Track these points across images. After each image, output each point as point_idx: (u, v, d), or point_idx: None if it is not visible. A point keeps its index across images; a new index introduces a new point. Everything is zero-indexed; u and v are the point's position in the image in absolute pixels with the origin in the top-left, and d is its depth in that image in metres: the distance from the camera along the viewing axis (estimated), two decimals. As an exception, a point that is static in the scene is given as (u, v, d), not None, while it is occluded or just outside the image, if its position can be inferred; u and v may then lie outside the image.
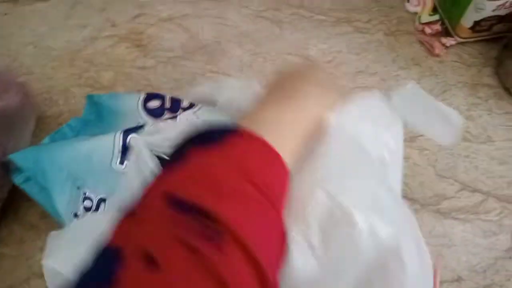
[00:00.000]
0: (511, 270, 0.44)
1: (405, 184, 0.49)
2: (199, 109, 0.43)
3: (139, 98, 0.45)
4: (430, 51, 0.59)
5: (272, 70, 0.57)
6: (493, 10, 0.53)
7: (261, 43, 0.60)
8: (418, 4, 0.62)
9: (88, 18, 0.64)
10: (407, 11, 0.63)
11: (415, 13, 0.62)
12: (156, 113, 0.44)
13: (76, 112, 0.54)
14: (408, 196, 0.48)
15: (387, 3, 0.64)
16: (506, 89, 0.54)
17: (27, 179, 0.43)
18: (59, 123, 0.54)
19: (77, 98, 0.56)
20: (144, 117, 0.44)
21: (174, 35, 0.61)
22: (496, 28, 0.56)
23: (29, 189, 0.43)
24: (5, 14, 0.65)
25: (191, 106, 0.44)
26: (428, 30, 0.60)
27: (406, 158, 0.50)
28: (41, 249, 0.39)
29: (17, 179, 0.43)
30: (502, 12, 0.53)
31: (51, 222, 0.46)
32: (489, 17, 0.54)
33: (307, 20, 0.62)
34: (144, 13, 0.64)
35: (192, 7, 0.64)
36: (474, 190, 0.48)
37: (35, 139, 0.52)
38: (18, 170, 0.43)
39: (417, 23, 0.61)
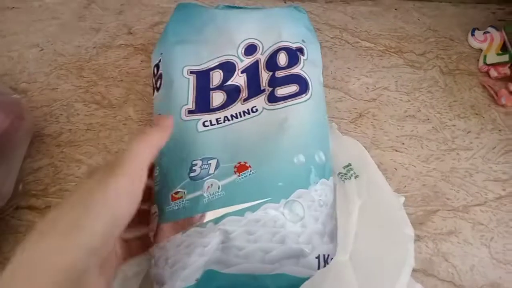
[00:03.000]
0: None
1: (453, 266, 0.41)
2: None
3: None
4: (494, 99, 0.49)
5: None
6: None
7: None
8: (485, 40, 0.53)
9: (102, 20, 0.57)
10: (470, 46, 0.54)
11: (480, 50, 0.53)
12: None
13: (77, 133, 0.48)
14: (454, 282, 0.40)
15: (446, 34, 0.55)
16: None
17: None
18: (57, 144, 0.47)
19: (80, 117, 0.49)
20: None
21: (196, 51, 0.53)
22: None
23: None
24: (12, 8, 0.58)
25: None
26: (494, 73, 0.50)
27: (455, 232, 0.42)
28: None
29: None
30: None
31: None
32: None
33: (350, 47, 0.54)
34: (165, 21, 0.56)
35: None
36: (536, 282, 0.40)
37: (29, 162, 0.46)
38: None
39: (481, 63, 0.52)
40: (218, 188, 0.29)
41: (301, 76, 0.34)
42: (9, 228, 0.42)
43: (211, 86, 0.34)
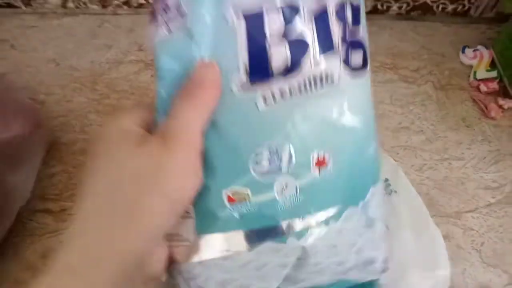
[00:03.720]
0: None
1: (445, 269, 0.43)
2: None
3: None
4: (484, 112, 0.52)
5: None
6: None
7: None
8: (475, 57, 0.56)
9: (114, 38, 0.60)
10: (461, 63, 0.57)
11: (470, 66, 0.56)
12: None
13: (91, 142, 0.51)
14: (447, 284, 0.42)
15: (439, 51, 0.58)
16: None
17: None
18: (72, 152, 0.50)
19: (93, 127, 0.52)
20: None
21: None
22: None
23: None
24: (32, 26, 0.62)
25: None
26: (483, 87, 0.53)
27: (448, 237, 0.44)
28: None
29: None
30: None
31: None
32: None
33: (348, 63, 0.57)
34: (175, 38, 0.60)
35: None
36: (525, 285, 0.42)
37: (45, 168, 0.49)
38: None
39: (471, 78, 0.55)
40: (296, 190, 0.22)
41: (363, 43, 0.25)
42: (26, 230, 0.45)
43: (268, 36, 0.23)
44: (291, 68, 0.23)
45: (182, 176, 0.20)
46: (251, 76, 0.22)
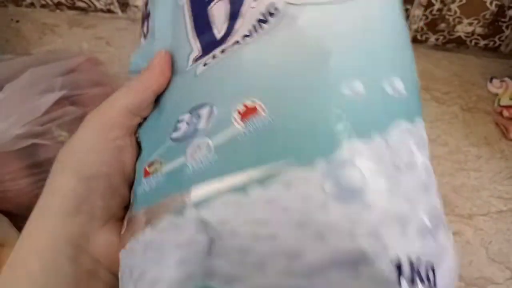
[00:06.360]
0: None
1: (454, 258, 0.49)
2: None
3: None
4: (505, 134, 0.59)
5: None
6: None
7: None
8: (501, 87, 0.63)
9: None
10: (488, 91, 0.64)
11: (496, 94, 0.63)
12: None
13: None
14: (454, 271, 0.49)
15: (469, 80, 0.66)
16: None
17: None
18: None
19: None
20: None
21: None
22: None
23: None
24: (125, 29, 0.75)
25: None
26: (506, 113, 0.60)
27: (459, 234, 0.51)
28: None
29: None
30: None
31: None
32: None
33: (387, 81, 0.66)
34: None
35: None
36: (526, 282, 0.48)
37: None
38: None
39: (496, 104, 0.62)
40: (209, 150, 0.18)
41: None
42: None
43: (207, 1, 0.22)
44: (232, 17, 0.21)
45: (87, 152, 0.20)
46: (202, 47, 0.22)
